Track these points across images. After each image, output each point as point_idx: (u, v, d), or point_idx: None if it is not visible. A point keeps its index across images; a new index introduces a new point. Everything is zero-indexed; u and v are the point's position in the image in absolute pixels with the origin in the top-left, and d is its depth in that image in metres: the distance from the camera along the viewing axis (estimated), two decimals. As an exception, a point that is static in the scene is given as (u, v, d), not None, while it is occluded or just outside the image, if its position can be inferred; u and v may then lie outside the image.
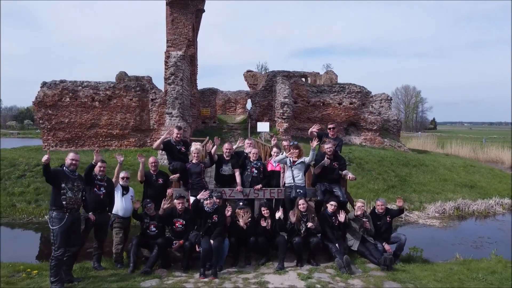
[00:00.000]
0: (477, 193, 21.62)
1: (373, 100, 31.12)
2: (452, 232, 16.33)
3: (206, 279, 6.18)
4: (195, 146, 7.67)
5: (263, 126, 24.51)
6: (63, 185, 6.06)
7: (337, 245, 6.78)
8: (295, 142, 7.79)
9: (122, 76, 43.10)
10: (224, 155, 8.01)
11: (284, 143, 8.48)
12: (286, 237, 7.10)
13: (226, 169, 7.88)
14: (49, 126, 27.11)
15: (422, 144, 54.65)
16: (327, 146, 7.53)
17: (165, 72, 23.88)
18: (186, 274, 6.47)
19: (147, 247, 6.68)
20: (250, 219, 7.10)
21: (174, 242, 6.78)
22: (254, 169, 8.00)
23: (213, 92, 29.80)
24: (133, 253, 6.59)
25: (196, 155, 7.67)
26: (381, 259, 6.73)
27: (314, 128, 8.00)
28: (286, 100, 25.18)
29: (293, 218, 7.03)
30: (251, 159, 8.06)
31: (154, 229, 6.80)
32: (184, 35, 24.20)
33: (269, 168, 8.25)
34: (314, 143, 7.59)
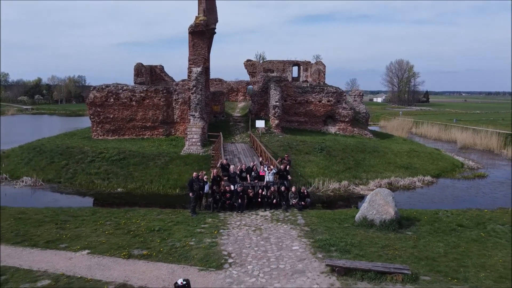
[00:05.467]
0: (409, 172, 32.47)
1: (347, 97, 41.86)
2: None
3: (239, 213, 17.23)
4: (232, 166, 18.84)
5: (260, 123, 35.41)
6: (194, 184, 17.08)
7: (284, 202, 17.78)
8: (271, 166, 19.29)
9: (139, 66, 53.59)
10: (243, 168, 19.31)
11: (267, 163, 20.09)
12: (266, 200, 18.48)
13: (244, 174, 19.04)
14: (98, 120, 37.84)
15: (399, 124, 65.65)
16: (282, 166, 18.79)
17: (189, 83, 34.43)
18: (231, 212, 17.43)
19: (215, 203, 17.89)
20: (253, 192, 18.48)
21: (226, 201, 17.99)
22: (254, 173, 19.34)
23: (221, 93, 40.37)
24: (212, 205, 17.62)
25: (232, 169, 18.94)
26: (299, 207, 17.91)
27: (279, 159, 19.54)
28: (277, 103, 35.95)
29: (269, 193, 18.30)
30: (253, 169, 19.43)
31: (218, 197, 17.86)
32: (202, 55, 34.46)
33: (261, 173, 19.47)
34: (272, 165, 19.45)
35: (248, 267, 11.36)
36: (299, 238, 13.71)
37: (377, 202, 15.03)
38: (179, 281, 9.20)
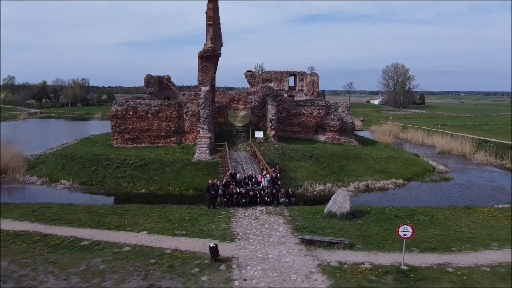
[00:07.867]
0: (385, 176, 39.72)
1: (336, 108, 49.37)
2: (354, 198, 34.65)
3: (243, 208, 24.70)
4: (238, 174, 26.30)
5: (258, 133, 42.92)
6: (209, 188, 24.50)
7: (275, 201, 25.09)
8: (267, 175, 26.77)
9: (149, 78, 61.28)
10: (246, 176, 26.75)
11: (264, 172, 27.50)
12: (262, 199, 26.00)
13: (247, 180, 26.40)
14: (119, 131, 45.26)
15: (388, 129, 72.89)
16: (274, 174, 26.22)
17: (198, 100, 41.95)
18: (238, 208, 24.74)
19: (226, 201, 25.22)
20: (253, 193, 26.02)
21: (234, 200, 25.42)
22: (253, 179, 26.77)
23: (225, 106, 47.89)
24: (224, 203, 24.99)
25: (238, 177, 26.36)
26: (285, 204, 25.30)
27: (272, 169, 27.06)
28: (273, 117, 43.44)
29: (264, 194, 25.77)
30: (253, 177, 26.86)
31: (228, 197, 25.17)
32: (209, 76, 41.91)
33: (259, 180, 26.83)
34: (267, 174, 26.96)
35: (250, 240, 18.85)
36: (284, 224, 21.22)
37: (338, 200, 22.52)
38: (211, 244, 16.77)
